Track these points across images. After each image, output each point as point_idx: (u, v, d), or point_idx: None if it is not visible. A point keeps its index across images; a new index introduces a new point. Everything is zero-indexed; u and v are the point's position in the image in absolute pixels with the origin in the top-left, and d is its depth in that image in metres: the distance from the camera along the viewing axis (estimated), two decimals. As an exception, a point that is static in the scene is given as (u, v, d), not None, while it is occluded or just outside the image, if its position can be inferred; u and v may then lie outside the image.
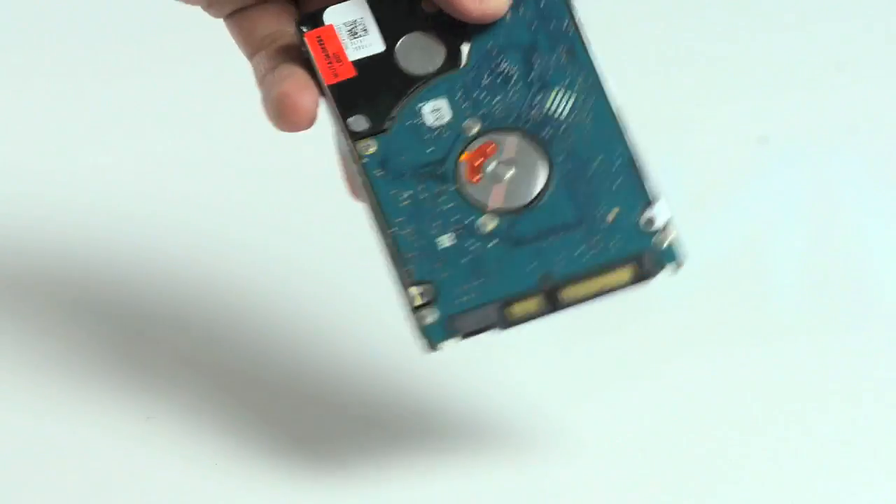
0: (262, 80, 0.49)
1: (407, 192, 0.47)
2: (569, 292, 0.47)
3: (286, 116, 0.48)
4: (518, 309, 0.46)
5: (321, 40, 0.48)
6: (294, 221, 0.65)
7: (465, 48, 0.49)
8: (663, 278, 0.48)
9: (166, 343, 0.59)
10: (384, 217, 0.47)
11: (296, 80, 0.48)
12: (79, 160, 0.71)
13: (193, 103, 0.74)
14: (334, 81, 0.48)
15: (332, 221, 0.61)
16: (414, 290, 0.46)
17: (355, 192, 0.49)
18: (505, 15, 0.49)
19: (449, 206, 0.47)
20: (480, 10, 0.48)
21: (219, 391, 0.55)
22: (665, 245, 0.48)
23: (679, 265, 0.48)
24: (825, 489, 0.52)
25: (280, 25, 0.50)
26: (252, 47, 0.50)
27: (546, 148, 0.48)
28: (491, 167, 0.48)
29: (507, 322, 0.47)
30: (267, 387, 0.56)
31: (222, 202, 0.65)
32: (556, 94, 0.48)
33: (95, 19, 0.75)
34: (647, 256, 0.47)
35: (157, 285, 0.63)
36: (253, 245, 0.66)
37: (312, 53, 0.48)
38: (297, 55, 0.49)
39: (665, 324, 0.61)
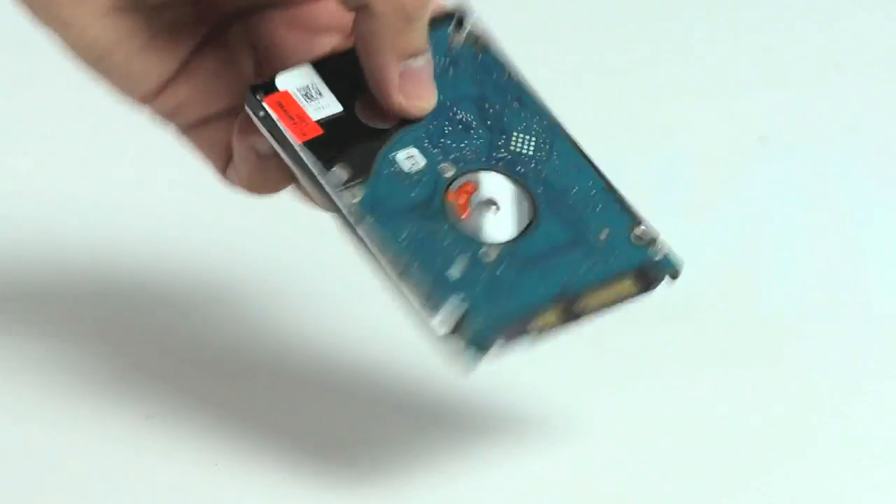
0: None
1: (404, 231, 0.47)
2: (586, 302, 0.47)
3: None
4: (538, 322, 0.47)
5: (281, 104, 0.49)
6: (294, 222, 0.65)
7: None
8: (664, 286, 0.49)
9: (166, 343, 0.59)
10: (393, 256, 0.47)
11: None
12: (78, 159, 0.71)
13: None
14: (304, 140, 0.48)
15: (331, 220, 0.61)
16: (438, 321, 0.46)
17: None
18: (448, 70, 0.50)
19: (448, 241, 0.47)
20: (402, 106, 0.49)
21: (219, 391, 0.55)
22: (662, 255, 0.48)
23: (677, 273, 0.48)
24: (825, 492, 0.52)
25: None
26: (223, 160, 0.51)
27: (523, 182, 0.49)
28: (476, 205, 0.48)
29: (531, 336, 0.47)
30: (267, 387, 0.56)
31: (222, 201, 0.65)
32: (517, 137, 0.50)
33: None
34: (648, 267, 0.48)
35: (157, 285, 0.63)
36: (254, 244, 0.66)
37: (277, 116, 0.48)
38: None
39: (664, 324, 0.61)
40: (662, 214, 0.70)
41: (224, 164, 0.51)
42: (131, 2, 0.48)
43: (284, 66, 0.50)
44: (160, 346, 0.58)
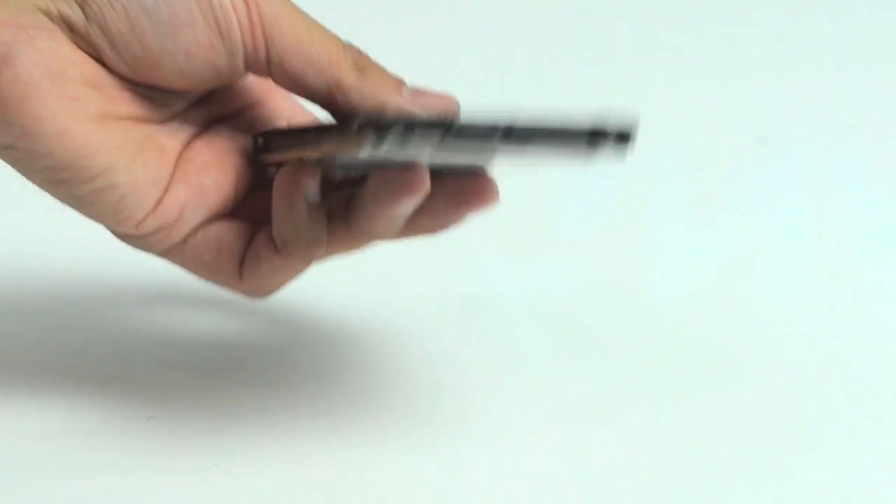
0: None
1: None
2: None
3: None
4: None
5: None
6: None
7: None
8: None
9: (166, 343, 0.59)
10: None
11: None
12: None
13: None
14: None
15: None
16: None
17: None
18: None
19: None
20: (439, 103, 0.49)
21: (219, 392, 0.55)
22: None
23: None
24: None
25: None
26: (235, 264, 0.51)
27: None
28: None
29: (451, 122, 0.46)
30: (267, 387, 0.56)
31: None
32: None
33: None
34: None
35: (157, 285, 0.63)
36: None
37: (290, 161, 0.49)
38: None
39: (664, 324, 0.61)
40: (662, 214, 0.70)
41: (237, 262, 0.51)
42: (123, 107, 0.47)
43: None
44: (161, 347, 0.58)
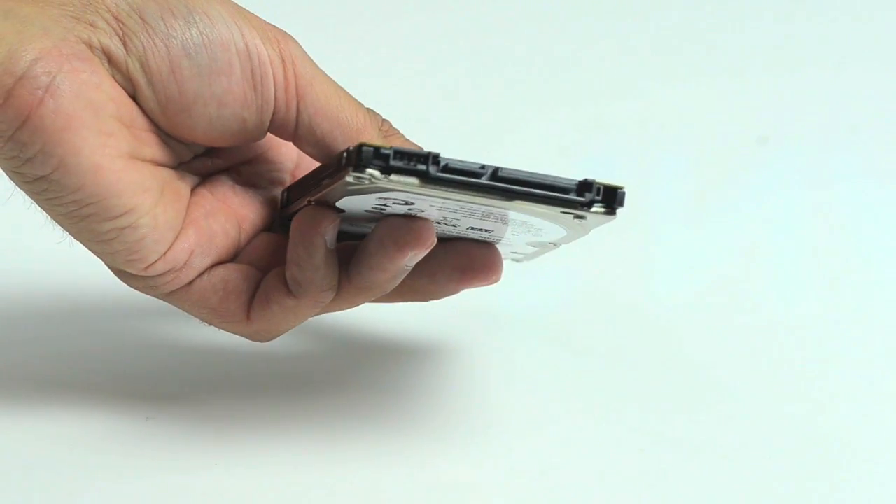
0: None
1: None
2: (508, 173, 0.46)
3: None
4: (456, 162, 0.46)
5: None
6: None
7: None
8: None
9: (166, 343, 0.59)
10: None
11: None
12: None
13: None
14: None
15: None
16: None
17: None
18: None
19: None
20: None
21: (218, 391, 0.56)
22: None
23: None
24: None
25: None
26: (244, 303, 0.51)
27: None
28: None
29: (440, 167, 0.45)
30: (266, 388, 0.56)
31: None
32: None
33: None
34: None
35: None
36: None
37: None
38: None
39: (663, 323, 0.61)
40: (662, 213, 0.71)
41: (245, 304, 0.51)
42: (148, 149, 0.47)
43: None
44: (161, 348, 0.58)
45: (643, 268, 0.66)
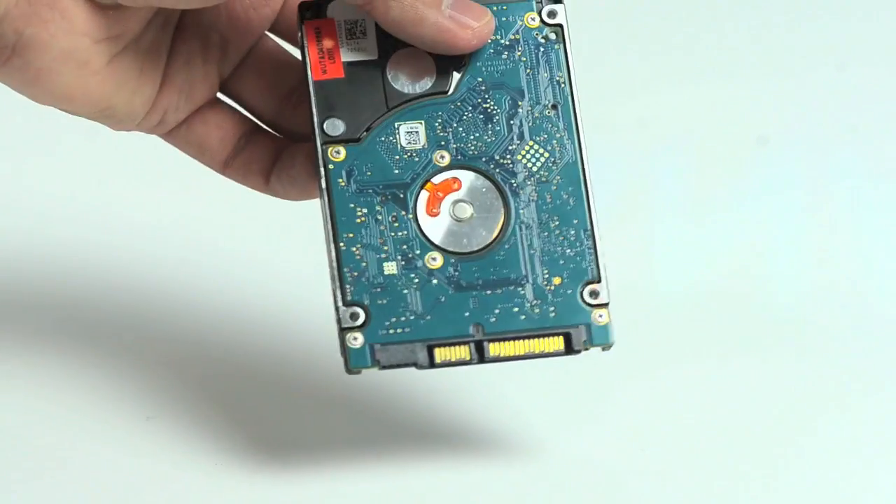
0: None
1: (365, 208, 0.46)
2: (497, 349, 0.46)
3: None
4: (444, 353, 0.46)
5: (318, 32, 0.47)
6: (294, 224, 0.65)
7: (456, 77, 0.47)
8: (592, 354, 0.47)
9: (166, 343, 0.59)
10: (336, 229, 0.46)
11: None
12: (78, 160, 0.71)
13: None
14: (321, 78, 0.47)
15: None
16: (346, 311, 0.46)
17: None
18: (502, 52, 0.48)
19: (402, 233, 0.46)
20: (474, 38, 0.47)
21: (218, 391, 0.55)
22: (601, 324, 0.47)
23: (609, 347, 0.47)
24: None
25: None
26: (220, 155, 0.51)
27: (509, 198, 0.47)
28: (450, 205, 0.47)
29: (430, 363, 0.46)
30: (266, 388, 0.56)
31: (221, 203, 0.65)
32: (531, 147, 0.47)
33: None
34: (580, 331, 0.46)
35: (156, 286, 0.63)
36: (253, 246, 0.66)
37: (307, 44, 0.47)
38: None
39: (663, 323, 0.61)
40: (662, 213, 0.70)
41: (224, 155, 0.51)
42: (113, 49, 0.47)
43: (248, 37, 0.49)
44: (160, 348, 0.58)
45: (643, 268, 0.66)
